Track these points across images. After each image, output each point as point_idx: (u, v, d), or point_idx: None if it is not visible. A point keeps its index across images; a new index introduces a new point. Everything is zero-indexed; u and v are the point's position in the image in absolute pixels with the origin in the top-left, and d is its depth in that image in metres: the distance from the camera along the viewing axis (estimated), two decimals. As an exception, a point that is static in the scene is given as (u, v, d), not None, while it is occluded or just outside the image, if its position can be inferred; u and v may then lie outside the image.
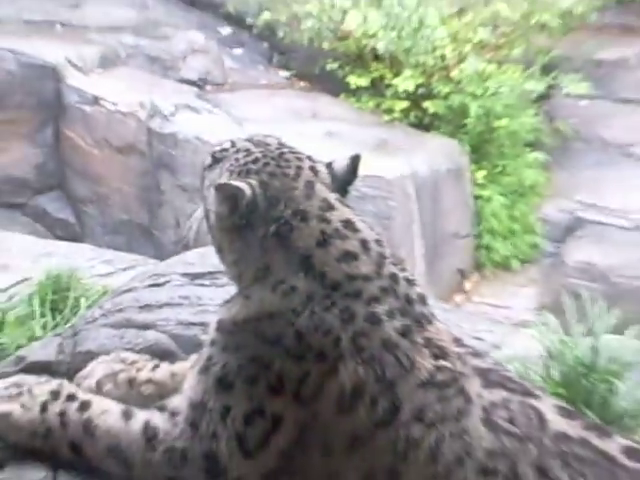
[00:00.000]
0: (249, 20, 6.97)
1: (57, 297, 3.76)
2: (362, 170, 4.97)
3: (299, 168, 1.81)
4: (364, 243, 1.75)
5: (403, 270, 1.78)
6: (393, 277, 1.75)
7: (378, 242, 1.76)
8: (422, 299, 1.77)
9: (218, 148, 1.90)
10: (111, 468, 1.82)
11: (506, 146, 6.52)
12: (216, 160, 1.90)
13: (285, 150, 1.86)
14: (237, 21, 7.07)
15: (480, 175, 6.41)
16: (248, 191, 1.75)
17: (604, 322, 3.34)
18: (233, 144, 1.88)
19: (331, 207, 1.77)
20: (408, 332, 1.72)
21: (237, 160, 1.85)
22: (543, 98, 6.77)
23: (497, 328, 4.63)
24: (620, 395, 3.11)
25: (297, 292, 1.73)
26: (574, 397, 3.21)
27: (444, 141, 6.35)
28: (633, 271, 6.22)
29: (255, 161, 1.84)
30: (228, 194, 1.75)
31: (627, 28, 7.17)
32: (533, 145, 6.61)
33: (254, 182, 1.78)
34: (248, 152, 1.86)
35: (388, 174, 5.81)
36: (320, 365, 1.70)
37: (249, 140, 1.89)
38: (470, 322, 4.57)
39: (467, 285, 6.38)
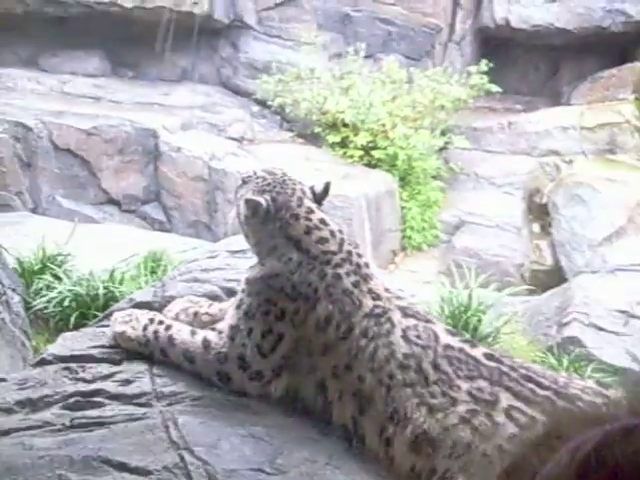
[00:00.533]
0: (269, 102, 8.81)
1: (154, 265, 5.08)
2: (334, 191, 8.18)
3: (294, 189, 2.41)
4: (332, 233, 2.36)
5: (356, 248, 2.38)
6: (349, 252, 2.33)
7: (340, 232, 2.37)
8: (366, 265, 2.35)
9: (245, 175, 2.49)
10: (184, 364, 2.39)
11: (420, 178, 8.57)
12: (244, 182, 2.49)
13: (286, 178, 2.46)
14: (262, 103, 9.00)
15: (404, 195, 8.46)
16: (264, 203, 2.34)
17: (475, 281, 4.98)
18: (254, 173, 2.47)
19: (312, 212, 2.38)
20: (358, 284, 2.29)
21: (257, 183, 2.43)
22: (442, 149, 8.80)
23: (412, 285, 6.52)
24: (484, 324, 4.67)
25: (292, 261, 2.33)
26: (457, 325, 4.62)
27: (383, 175, 8.37)
28: (493, 251, 8.28)
29: (268, 184, 2.42)
30: (252, 204, 2.34)
31: (492, 109, 9.50)
32: (436, 177, 8.66)
33: (267, 197, 2.36)
34: (264, 178, 2.44)
35: (350, 194, 7.79)
36: (306, 303, 2.29)
37: (264, 171, 2.47)
38: (396, 281, 6.32)
39: (397, 260, 8.37)
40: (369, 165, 8.67)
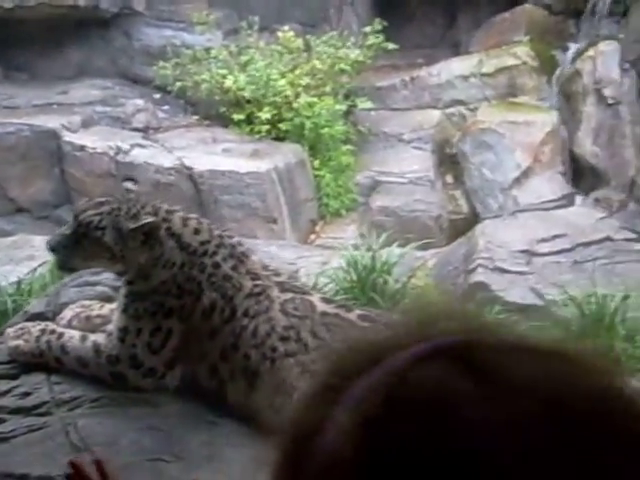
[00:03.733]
0: (169, 88, 8.74)
1: (59, 273, 4.50)
2: (245, 169, 8.35)
3: (138, 201, 2.50)
4: (198, 222, 2.50)
5: (224, 231, 2.52)
6: (220, 237, 2.46)
7: (208, 224, 2.49)
8: (239, 244, 2.48)
9: (86, 212, 2.43)
10: (78, 369, 2.48)
11: (329, 144, 8.57)
12: (93, 220, 2.44)
13: (120, 198, 2.52)
14: (162, 89, 8.89)
15: (316, 163, 8.47)
16: (156, 220, 2.43)
17: (378, 242, 5.42)
18: (97, 205, 2.46)
19: (172, 211, 2.52)
20: (236, 268, 2.40)
21: (117, 212, 2.43)
22: (347, 113, 8.85)
23: (320, 252, 6.86)
24: (390, 283, 4.73)
25: (176, 264, 2.41)
26: (365, 287, 4.74)
27: (292, 146, 8.33)
28: (410, 207, 8.33)
29: (127, 208, 2.45)
30: (147, 228, 2.38)
31: (393, 66, 9.51)
32: (345, 141, 8.65)
33: (148, 216, 2.45)
34: (116, 205, 2.46)
35: (261, 169, 7.85)
36: (190, 297, 2.39)
37: (100, 202, 2.46)
38: (296, 253, 6.49)
39: (317, 229, 8.42)
40: (277, 138, 8.66)
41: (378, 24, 9.17)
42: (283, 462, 0.64)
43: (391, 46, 9.17)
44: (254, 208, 8.08)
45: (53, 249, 2.44)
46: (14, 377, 2.54)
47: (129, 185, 2.50)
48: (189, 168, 8.12)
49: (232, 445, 2.25)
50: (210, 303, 2.38)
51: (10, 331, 2.61)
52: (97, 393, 2.45)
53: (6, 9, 8.85)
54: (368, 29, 9.17)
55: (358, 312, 2.40)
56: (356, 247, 4.95)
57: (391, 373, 0.60)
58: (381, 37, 9.13)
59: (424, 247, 5.77)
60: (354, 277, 4.70)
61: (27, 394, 2.46)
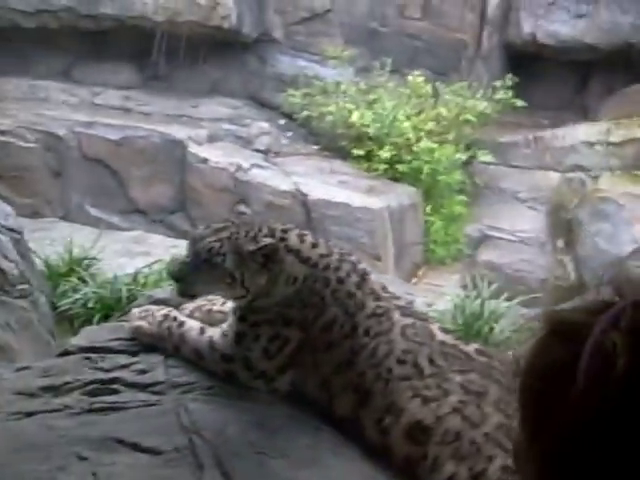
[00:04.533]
0: (295, 115, 8.97)
1: None
2: (358, 203, 8.39)
3: (253, 222, 2.50)
4: (314, 237, 2.51)
5: (344, 250, 2.54)
6: (339, 253, 2.48)
7: (328, 246, 2.50)
8: (359, 261, 2.51)
9: (206, 236, 2.43)
10: (193, 359, 2.53)
11: (444, 192, 8.62)
12: (214, 243, 2.43)
13: (236, 221, 2.50)
14: (288, 116, 9.13)
15: (428, 208, 8.50)
16: (274, 242, 2.43)
17: (488, 292, 5.44)
18: (216, 230, 2.45)
19: (286, 230, 2.51)
20: (360, 285, 2.42)
21: (237, 235, 2.43)
22: (466, 164, 8.83)
23: (425, 294, 6.69)
24: (496, 332, 4.90)
25: (298, 280, 2.43)
26: (469, 333, 4.77)
27: (407, 188, 8.44)
28: (516, 266, 8.31)
29: (245, 231, 2.44)
30: (267, 251, 2.40)
31: (518, 123, 9.44)
32: (460, 191, 8.68)
33: (267, 239, 2.44)
34: (235, 228, 2.46)
35: (374, 206, 7.94)
36: (313, 310, 2.40)
37: (220, 226, 2.47)
38: (402, 289, 6.29)
39: (420, 273, 8.42)
40: (393, 179, 8.72)
41: (509, 80, 9.19)
42: (536, 399, 0.85)
43: (520, 103, 9.14)
44: (361, 243, 8.13)
45: (176, 277, 2.45)
46: (134, 354, 2.60)
47: (242, 208, 2.52)
48: (304, 194, 8.27)
49: (335, 453, 2.28)
50: (332, 317, 2.39)
51: (135, 311, 2.68)
52: (210, 382, 2.47)
53: (156, 22, 9.33)
54: (498, 83, 9.20)
55: (476, 346, 2.41)
56: (466, 293, 4.90)
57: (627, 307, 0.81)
58: (510, 93, 9.13)
59: (528, 304, 5.64)
60: (460, 321, 4.66)
61: (144, 372, 2.52)
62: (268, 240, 2.38)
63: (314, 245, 2.46)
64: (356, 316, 2.38)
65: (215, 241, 2.39)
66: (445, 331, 2.44)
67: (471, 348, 2.36)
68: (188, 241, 2.50)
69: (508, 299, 5.05)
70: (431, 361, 2.30)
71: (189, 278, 2.40)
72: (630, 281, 0.87)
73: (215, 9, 9.38)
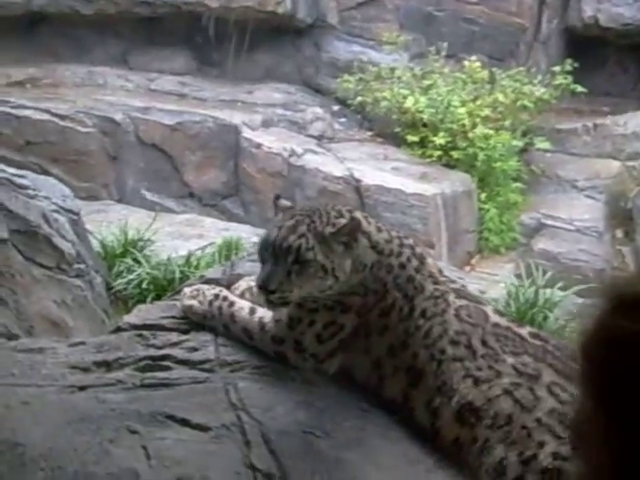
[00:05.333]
0: (349, 101, 8.93)
1: (228, 252, 5.34)
2: (411, 189, 8.27)
3: (325, 207, 2.43)
4: (379, 229, 2.45)
5: (404, 236, 2.49)
6: (399, 237, 2.45)
7: (388, 230, 2.46)
8: (416, 244, 2.50)
9: (284, 226, 2.34)
10: (243, 339, 2.52)
11: (499, 179, 8.45)
12: (293, 226, 2.35)
13: (306, 207, 2.47)
14: (342, 102, 9.12)
15: (483, 196, 8.39)
16: (357, 218, 2.40)
17: (543, 280, 5.17)
18: (294, 220, 2.35)
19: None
20: (419, 269, 2.41)
21: (314, 221, 2.37)
22: (523, 151, 8.67)
23: (478, 281, 6.52)
24: (550, 321, 4.73)
25: (367, 267, 2.39)
26: (522, 321, 3.97)
27: (461, 175, 8.35)
28: (573, 255, 8.17)
29: (320, 216, 2.40)
30: (350, 228, 2.34)
31: (577, 110, 9.28)
32: (516, 179, 8.51)
33: (346, 218, 2.39)
34: (309, 215, 2.39)
35: (427, 192, 7.90)
36: (375, 296, 2.38)
37: (295, 213, 2.40)
38: (454, 275, 6.30)
39: (473, 261, 8.32)
40: (448, 165, 8.63)
41: (568, 65, 8.98)
42: (607, 371, 0.86)
43: (579, 89, 8.92)
44: (414, 229, 8.05)
45: (269, 288, 2.28)
46: (185, 332, 2.60)
47: (283, 202, 2.38)
48: (357, 180, 8.24)
49: (382, 436, 2.26)
50: (392, 302, 2.37)
51: (187, 290, 2.67)
52: (259, 362, 2.47)
53: (211, 7, 9.37)
54: (557, 69, 9.01)
55: (530, 329, 2.36)
56: (520, 281, 4.82)
57: None
58: (569, 78, 8.95)
59: (584, 294, 5.51)
60: (513, 309, 4.58)
61: (195, 349, 2.53)
62: (343, 220, 2.33)
63: (379, 229, 2.43)
64: (415, 299, 2.37)
65: (299, 237, 2.30)
66: (499, 313, 2.41)
67: (525, 331, 2.33)
68: (260, 249, 2.37)
69: (563, 288, 4.91)
70: (484, 342, 2.27)
71: (284, 286, 2.28)
72: None
73: (270, -6, 9.38)
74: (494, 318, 2.34)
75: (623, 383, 0.85)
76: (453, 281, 2.48)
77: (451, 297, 2.38)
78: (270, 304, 2.35)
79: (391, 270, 2.39)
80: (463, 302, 2.38)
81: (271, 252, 2.31)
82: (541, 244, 8.43)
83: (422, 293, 2.38)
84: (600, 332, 0.88)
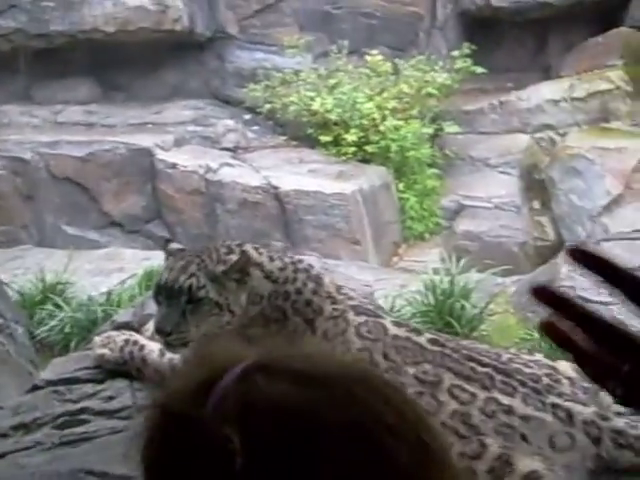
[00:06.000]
0: (259, 109, 8.97)
1: (150, 282, 5.07)
2: (330, 190, 8.44)
3: (215, 245, 2.47)
4: (268, 250, 2.52)
5: (288, 254, 2.58)
6: (292, 262, 2.47)
7: (281, 257, 2.48)
8: (311, 266, 2.52)
9: (174, 266, 2.36)
10: (155, 380, 2.54)
11: (415, 167, 8.63)
12: (184, 268, 2.35)
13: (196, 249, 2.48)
14: (252, 110, 9.12)
15: (401, 186, 8.54)
16: (244, 254, 2.41)
17: (457, 268, 5.31)
18: (182, 259, 2.36)
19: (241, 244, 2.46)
20: (316, 291, 2.44)
21: (204, 260, 2.37)
22: (434, 137, 8.86)
23: (399, 275, 6.72)
24: (468, 308, 4.71)
25: (264, 298, 2.41)
26: (441, 313, 4.75)
27: (378, 168, 8.49)
28: (495, 232, 8.33)
29: (210, 252, 2.40)
30: (241, 265, 2.36)
31: (481, 90, 9.42)
32: (431, 165, 8.71)
33: (235, 255, 2.39)
34: (200, 254, 2.40)
35: (346, 190, 8.00)
36: (277, 325, 2.39)
37: (184, 255, 2.41)
38: (375, 275, 6.46)
39: (400, 251, 8.46)
40: (363, 161, 8.76)
41: (467, 48, 9.20)
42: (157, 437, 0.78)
43: (479, 70, 9.15)
44: (338, 229, 8.17)
45: (167, 331, 2.30)
46: (100, 381, 2.63)
47: (175, 245, 2.38)
48: (275, 187, 8.30)
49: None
50: (294, 327, 2.40)
51: (97, 340, 2.71)
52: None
53: (108, 33, 9.29)
54: (456, 53, 9.22)
55: (428, 336, 2.42)
56: (436, 271, 4.92)
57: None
58: (469, 61, 9.18)
59: (506, 273, 5.65)
60: (432, 301, 4.69)
61: (111, 398, 2.55)
62: (233, 256, 2.35)
63: (271, 258, 2.45)
64: (315, 322, 2.41)
65: (189, 277, 2.32)
66: (398, 325, 2.47)
67: (423, 339, 2.39)
68: (154, 293, 2.40)
69: (480, 271, 5.03)
70: (385, 356, 2.32)
71: (180, 327, 2.29)
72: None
73: (165, 13, 9.35)
74: (393, 330, 2.41)
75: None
76: (351, 297, 2.52)
77: (350, 315, 2.42)
78: (169, 346, 2.37)
79: (288, 297, 2.42)
80: (362, 318, 2.42)
81: (164, 295, 2.33)
82: (463, 225, 8.63)
83: (321, 315, 2.42)
84: (156, 446, 0.81)
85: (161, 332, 2.33)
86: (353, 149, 8.71)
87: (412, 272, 7.25)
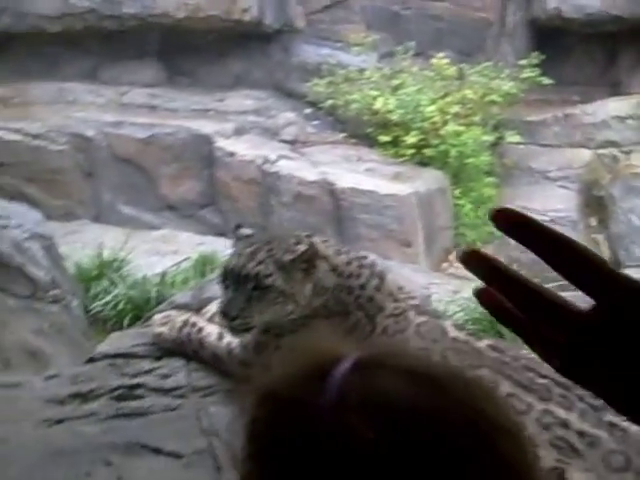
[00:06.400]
0: (321, 104, 8.94)
1: (204, 268, 5.42)
2: (386, 189, 8.42)
3: (282, 234, 2.55)
4: (337, 246, 2.54)
5: (361, 254, 2.56)
6: (357, 258, 2.49)
7: (347, 252, 2.51)
8: (375, 263, 2.54)
9: (241, 257, 2.37)
10: (212, 363, 2.59)
11: (472, 174, 8.53)
12: (252, 256, 2.38)
13: (267, 237, 2.52)
14: (314, 105, 9.09)
15: (457, 192, 8.47)
16: (310, 246, 2.43)
17: None
18: (251, 249, 2.38)
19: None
20: (379, 288, 2.45)
21: (272, 249, 2.40)
22: (494, 145, 8.78)
23: (451, 281, 6.89)
24: None
25: (329, 289, 2.44)
26: (493, 322, 3.95)
27: (435, 172, 8.41)
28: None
29: (278, 242, 2.43)
30: (308, 255, 2.39)
31: (546, 101, 9.32)
32: (489, 173, 8.62)
33: (300, 246, 2.43)
34: (268, 243, 2.43)
35: (402, 192, 7.96)
36: (339, 318, 2.40)
37: (255, 244, 2.41)
38: (428, 278, 6.51)
39: (450, 257, 8.28)
40: (421, 163, 8.71)
41: (535, 58, 9.08)
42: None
43: (546, 81, 9.02)
44: (390, 230, 8.14)
45: (232, 315, 2.33)
46: (157, 359, 2.66)
47: (245, 231, 2.38)
48: (331, 184, 8.31)
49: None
50: (355, 322, 2.41)
51: (157, 318, 2.74)
52: (230, 385, 2.50)
53: (177, 19, 9.40)
54: (524, 62, 9.10)
55: (487, 342, 2.40)
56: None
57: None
58: (537, 71, 9.04)
59: (558, 289, 5.56)
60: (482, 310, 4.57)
61: (167, 376, 2.59)
62: (301, 247, 2.37)
63: (338, 252, 2.47)
64: (376, 318, 2.42)
65: (257, 264, 2.34)
66: (458, 328, 2.46)
67: (483, 344, 2.37)
68: (221, 277, 2.42)
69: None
70: (443, 357, 2.30)
71: (245, 312, 2.33)
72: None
73: (235, 2, 9.43)
74: (453, 333, 2.40)
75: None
76: (413, 297, 2.54)
77: (411, 314, 2.43)
78: (233, 330, 2.39)
79: (352, 292, 2.43)
80: (423, 319, 2.42)
81: (231, 279, 2.35)
82: (517, 236, 8.63)
83: (383, 312, 2.43)
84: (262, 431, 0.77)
85: (226, 316, 2.35)
86: (412, 151, 8.65)
87: (464, 279, 7.23)
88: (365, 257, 2.54)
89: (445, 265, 8.42)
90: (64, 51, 9.51)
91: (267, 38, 9.87)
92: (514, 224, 0.68)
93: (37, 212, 4.68)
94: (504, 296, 0.66)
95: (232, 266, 2.38)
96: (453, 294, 4.92)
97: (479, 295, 0.69)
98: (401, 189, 8.15)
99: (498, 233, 0.74)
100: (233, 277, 2.35)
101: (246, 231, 2.55)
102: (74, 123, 8.64)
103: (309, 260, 2.36)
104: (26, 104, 9.11)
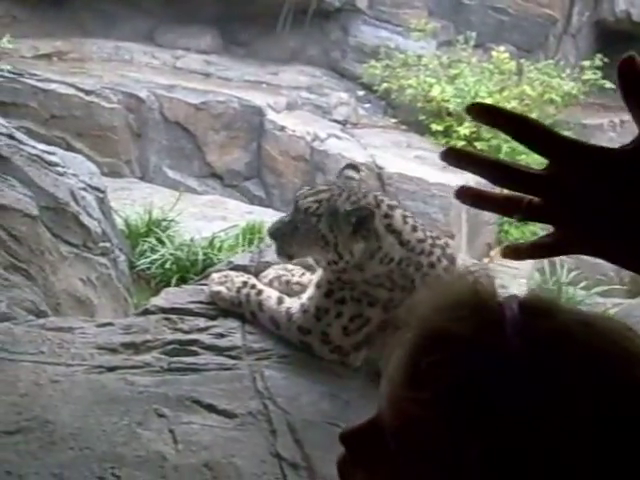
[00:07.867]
0: (375, 87, 8.94)
1: (251, 236, 5.42)
2: (433, 179, 8.27)
3: (361, 189, 2.47)
4: (414, 220, 2.49)
5: (435, 234, 2.52)
6: (432, 237, 2.46)
7: (424, 230, 2.46)
8: (447, 245, 2.53)
9: (307, 192, 2.41)
10: (270, 327, 2.56)
11: (523, 171, 9.14)
12: (315, 198, 2.40)
13: (345, 184, 2.48)
14: (367, 87, 9.14)
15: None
16: (370, 209, 2.39)
17: (566, 277, 5.75)
18: (321, 189, 2.44)
19: (394, 207, 2.45)
20: (448, 269, 2.42)
21: (338, 196, 2.41)
22: (548, 144, 9.40)
23: (501, 275, 6.47)
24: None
25: (394, 261, 2.40)
26: None
27: (485, 166, 9.03)
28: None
29: (348, 194, 2.43)
30: (362, 214, 2.35)
31: (604, 105, 9.16)
32: (540, 172, 9.20)
33: (365, 203, 2.41)
34: (338, 189, 2.44)
35: (450, 182, 7.69)
36: (402, 292, 2.38)
37: (326, 184, 2.50)
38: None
39: (492, 253, 8.27)
40: (471, 156, 8.75)
41: (598, 60, 8.90)
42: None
43: (608, 85, 8.83)
44: (434, 219, 8.02)
45: (273, 236, 2.43)
46: (212, 318, 2.63)
47: (350, 173, 2.37)
48: (380, 167, 8.23)
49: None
50: None
51: (215, 276, 2.69)
52: (286, 350, 2.50)
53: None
54: (587, 63, 8.97)
55: None
56: (543, 278, 4.79)
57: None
58: (599, 74, 8.90)
59: (606, 294, 5.47)
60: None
61: (222, 336, 2.55)
62: (363, 205, 2.35)
63: (414, 228, 2.44)
64: None
65: (314, 201, 2.37)
66: None
67: None
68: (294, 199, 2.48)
69: (586, 288, 4.88)
70: None
71: (286, 238, 2.39)
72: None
73: (300, -23, 9.34)
74: None
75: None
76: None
77: None
78: (275, 251, 2.48)
79: (420, 268, 2.40)
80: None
81: (293, 205, 2.42)
82: (561, 238, 8.50)
83: None
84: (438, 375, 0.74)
85: (270, 235, 2.47)
86: (463, 143, 8.52)
87: (504, 274, 7.12)
88: (439, 237, 2.51)
89: (486, 261, 8.24)
90: (123, 10, 9.52)
91: (327, 16, 9.81)
92: (486, 111, 0.78)
93: (92, 164, 4.67)
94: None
95: (299, 194, 2.43)
96: (500, 288, 4.77)
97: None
98: (450, 179, 7.91)
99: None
100: (294, 204, 2.42)
101: (350, 173, 2.52)
102: (128, 82, 8.65)
103: (361, 220, 2.32)
104: (82, 59, 9.17)
